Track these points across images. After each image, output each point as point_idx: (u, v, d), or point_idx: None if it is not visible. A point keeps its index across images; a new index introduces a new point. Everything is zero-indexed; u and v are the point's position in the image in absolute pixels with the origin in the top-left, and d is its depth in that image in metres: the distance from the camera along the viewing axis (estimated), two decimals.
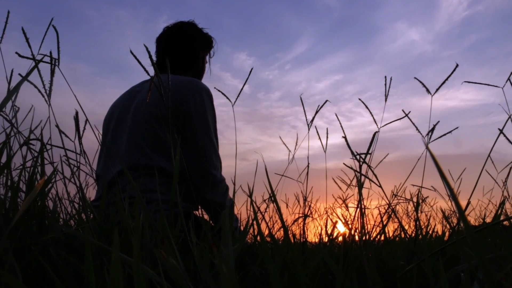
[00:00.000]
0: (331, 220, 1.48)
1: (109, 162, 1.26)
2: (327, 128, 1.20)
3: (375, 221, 1.99)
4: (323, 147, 1.18)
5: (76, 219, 0.90)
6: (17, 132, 0.87)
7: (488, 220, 1.88)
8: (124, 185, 1.14)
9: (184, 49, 1.48)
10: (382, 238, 1.16)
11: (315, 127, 1.19)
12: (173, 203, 0.66)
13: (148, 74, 0.84)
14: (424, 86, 1.00)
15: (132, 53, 0.81)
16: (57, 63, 0.80)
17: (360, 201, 0.84)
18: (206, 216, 1.43)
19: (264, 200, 1.78)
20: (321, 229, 1.55)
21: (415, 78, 1.01)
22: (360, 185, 0.84)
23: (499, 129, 0.85)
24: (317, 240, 1.66)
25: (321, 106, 1.17)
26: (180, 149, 1.25)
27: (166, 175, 1.19)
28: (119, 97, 1.46)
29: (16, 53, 0.72)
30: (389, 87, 1.08)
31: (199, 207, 1.35)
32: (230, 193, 1.40)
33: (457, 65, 0.93)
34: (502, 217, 1.07)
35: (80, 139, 0.91)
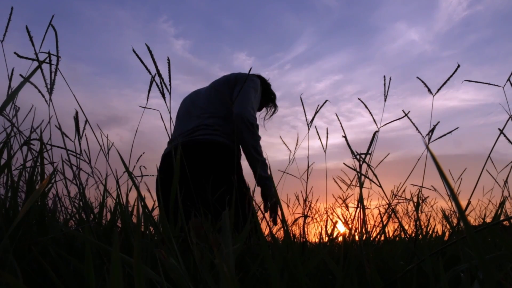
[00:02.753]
0: (331, 220, 1.48)
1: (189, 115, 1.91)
2: (327, 128, 1.20)
3: (375, 221, 1.99)
4: (323, 147, 1.18)
5: (76, 219, 0.90)
6: (17, 132, 0.87)
7: (488, 220, 1.88)
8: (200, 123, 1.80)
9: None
10: (382, 238, 1.16)
11: (315, 127, 1.19)
12: (175, 201, 0.66)
13: (150, 73, 0.84)
14: (426, 86, 1.00)
15: (134, 52, 0.81)
16: (58, 62, 0.80)
17: (361, 200, 0.84)
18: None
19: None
20: (321, 229, 1.55)
21: (417, 77, 1.01)
22: (361, 185, 0.84)
23: (499, 129, 0.85)
24: (317, 240, 1.66)
25: (321, 106, 1.17)
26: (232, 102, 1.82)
27: (223, 119, 1.82)
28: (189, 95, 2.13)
29: (15, 53, 0.72)
30: (389, 87, 1.08)
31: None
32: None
33: (458, 66, 0.93)
34: (502, 217, 1.07)
35: (80, 139, 0.91)
